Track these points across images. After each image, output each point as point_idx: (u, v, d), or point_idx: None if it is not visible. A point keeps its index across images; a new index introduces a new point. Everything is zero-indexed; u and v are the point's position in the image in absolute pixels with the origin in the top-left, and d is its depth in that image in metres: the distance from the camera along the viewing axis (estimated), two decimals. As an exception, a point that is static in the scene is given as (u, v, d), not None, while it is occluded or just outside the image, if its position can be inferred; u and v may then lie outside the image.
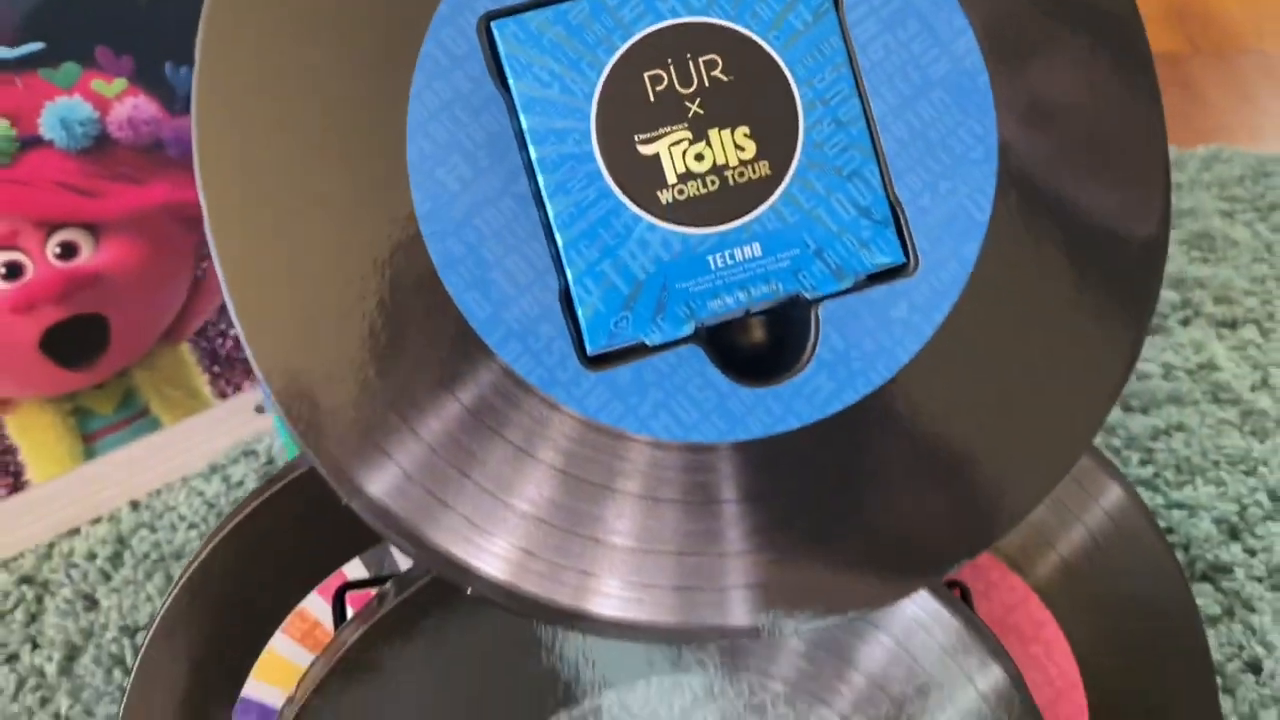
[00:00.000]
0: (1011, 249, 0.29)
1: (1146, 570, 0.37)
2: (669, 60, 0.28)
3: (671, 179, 0.28)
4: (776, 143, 0.28)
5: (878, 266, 0.29)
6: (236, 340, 0.60)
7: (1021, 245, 0.29)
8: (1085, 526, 0.37)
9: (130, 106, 0.52)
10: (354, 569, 0.35)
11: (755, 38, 0.28)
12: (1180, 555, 0.51)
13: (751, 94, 0.28)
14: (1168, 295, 0.66)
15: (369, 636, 0.31)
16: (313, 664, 0.31)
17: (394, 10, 0.27)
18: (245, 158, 0.26)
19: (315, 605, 0.35)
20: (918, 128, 0.29)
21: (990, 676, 0.32)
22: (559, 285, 0.27)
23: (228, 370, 0.60)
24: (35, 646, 0.54)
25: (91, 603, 0.56)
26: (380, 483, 0.27)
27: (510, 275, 0.27)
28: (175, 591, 0.35)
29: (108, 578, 0.57)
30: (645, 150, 0.28)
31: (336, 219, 0.27)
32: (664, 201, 0.28)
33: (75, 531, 0.60)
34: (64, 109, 0.50)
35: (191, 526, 0.59)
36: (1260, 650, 0.47)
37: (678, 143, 0.28)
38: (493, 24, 0.27)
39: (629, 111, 0.27)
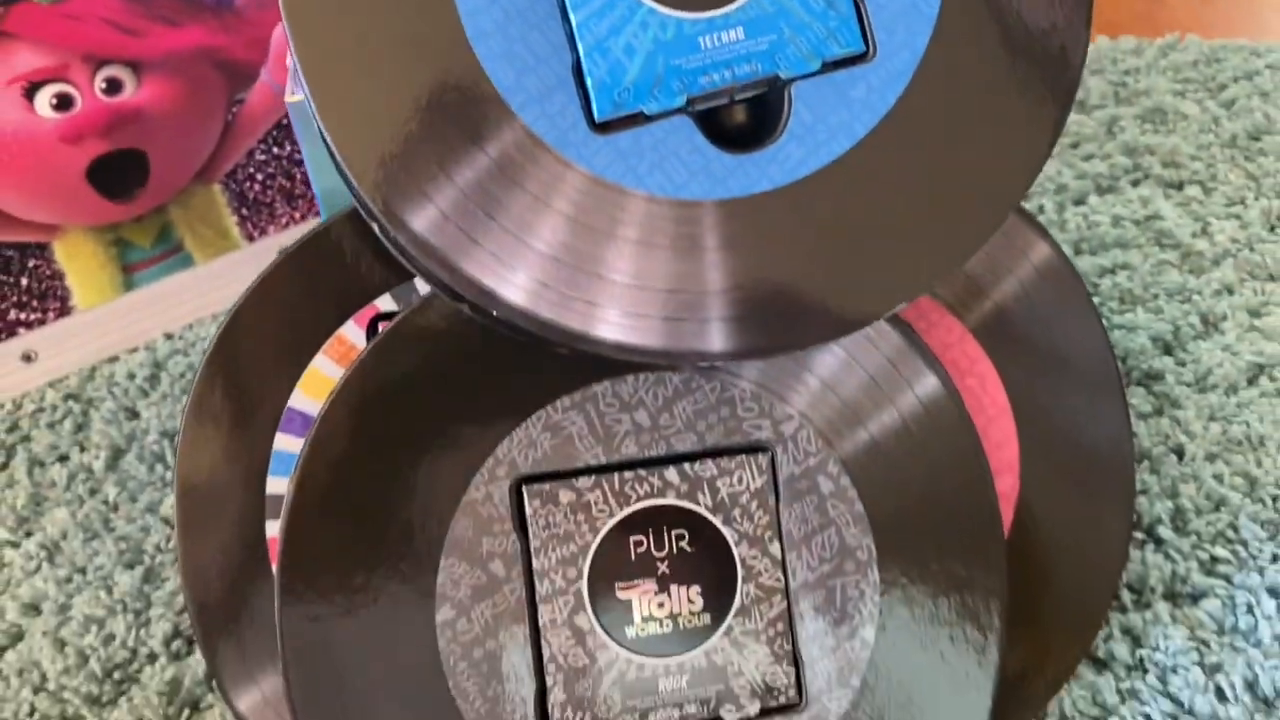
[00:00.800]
0: (955, 41, 0.35)
1: (1072, 317, 0.42)
2: None
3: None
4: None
5: (842, 53, 0.34)
6: (264, 183, 0.66)
7: (964, 37, 0.35)
8: (1016, 278, 0.42)
9: (170, -49, 0.57)
10: (385, 303, 0.41)
11: None
12: (1120, 365, 0.57)
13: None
14: (1120, 161, 0.71)
15: (379, 347, 0.36)
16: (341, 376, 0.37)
17: None
18: None
19: (352, 332, 0.41)
20: None
21: (926, 385, 0.38)
22: (572, 59, 0.33)
23: (255, 213, 0.66)
24: (83, 449, 0.60)
25: (133, 414, 0.62)
26: (422, 220, 0.32)
27: (531, 48, 0.33)
28: (226, 320, 0.40)
29: (146, 394, 0.63)
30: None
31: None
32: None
33: (115, 359, 0.65)
34: (112, -50, 0.55)
35: (222, 354, 0.64)
36: (1184, 438, 0.53)
37: None
38: None
39: None
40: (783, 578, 0.37)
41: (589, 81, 0.33)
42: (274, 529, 0.40)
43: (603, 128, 0.33)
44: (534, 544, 0.36)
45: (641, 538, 0.36)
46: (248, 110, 0.63)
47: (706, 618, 0.37)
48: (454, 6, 0.32)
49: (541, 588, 0.35)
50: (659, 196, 0.33)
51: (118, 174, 0.60)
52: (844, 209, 0.34)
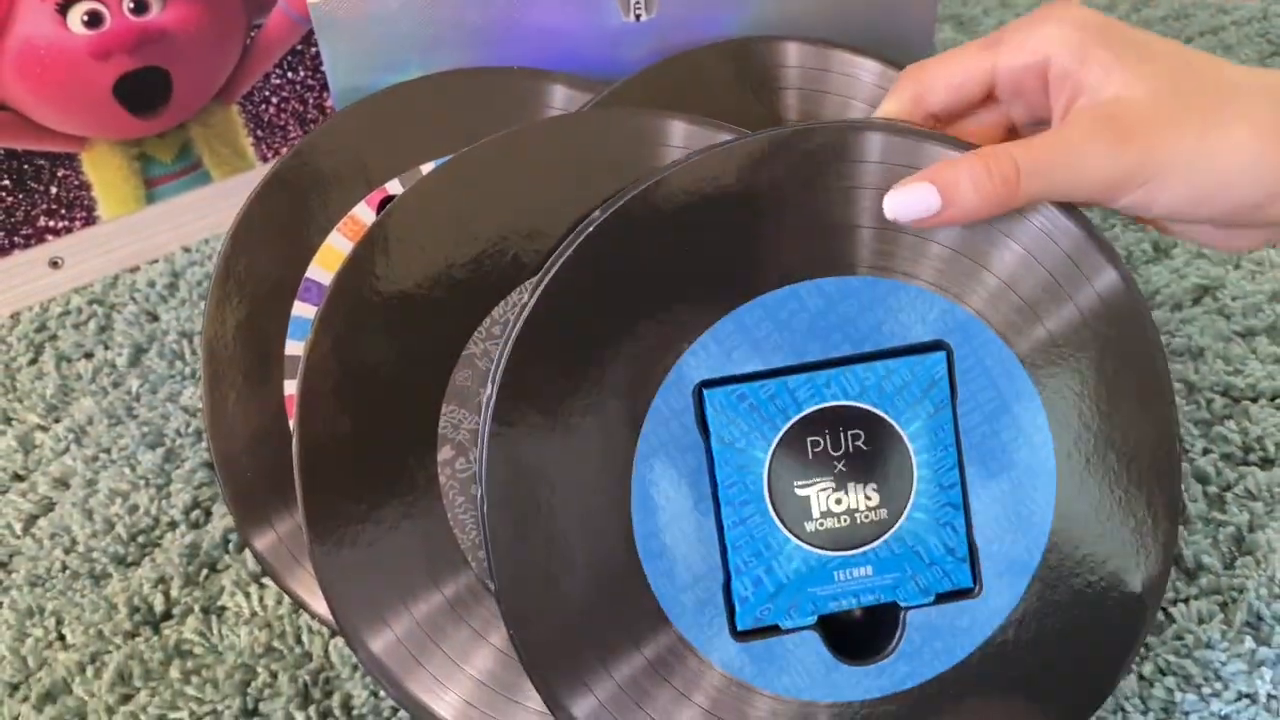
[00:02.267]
0: (1050, 586, 0.39)
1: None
2: (825, 430, 0.38)
3: (815, 514, 0.39)
4: (895, 497, 0.39)
5: (953, 588, 0.39)
6: (279, 106, 0.70)
7: (1057, 584, 0.39)
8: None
9: (196, -120, 0.61)
10: (394, 186, 0.45)
11: (888, 418, 0.39)
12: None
13: (881, 459, 0.39)
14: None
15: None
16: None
17: (635, 376, 0.37)
18: None
19: (363, 212, 0.45)
20: (999, 496, 0.39)
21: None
22: (722, 579, 0.38)
23: (270, 135, 0.70)
24: (107, 347, 0.64)
25: (153, 317, 0.66)
26: (581, 709, 0.38)
27: (690, 568, 0.38)
28: (250, 198, 0.45)
29: (165, 300, 0.67)
30: (800, 492, 0.38)
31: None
32: (808, 530, 0.38)
33: (136, 269, 0.69)
34: (142, -124, 0.59)
35: (236, 267, 0.68)
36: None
37: (824, 490, 0.38)
38: (704, 391, 0.37)
39: (793, 464, 0.38)
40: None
41: (735, 600, 0.38)
42: (291, 387, 0.44)
43: (743, 635, 0.38)
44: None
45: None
46: (265, 35, 0.67)
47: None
48: (632, 530, 0.38)
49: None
50: (785, 697, 0.39)
51: (143, 90, 0.64)
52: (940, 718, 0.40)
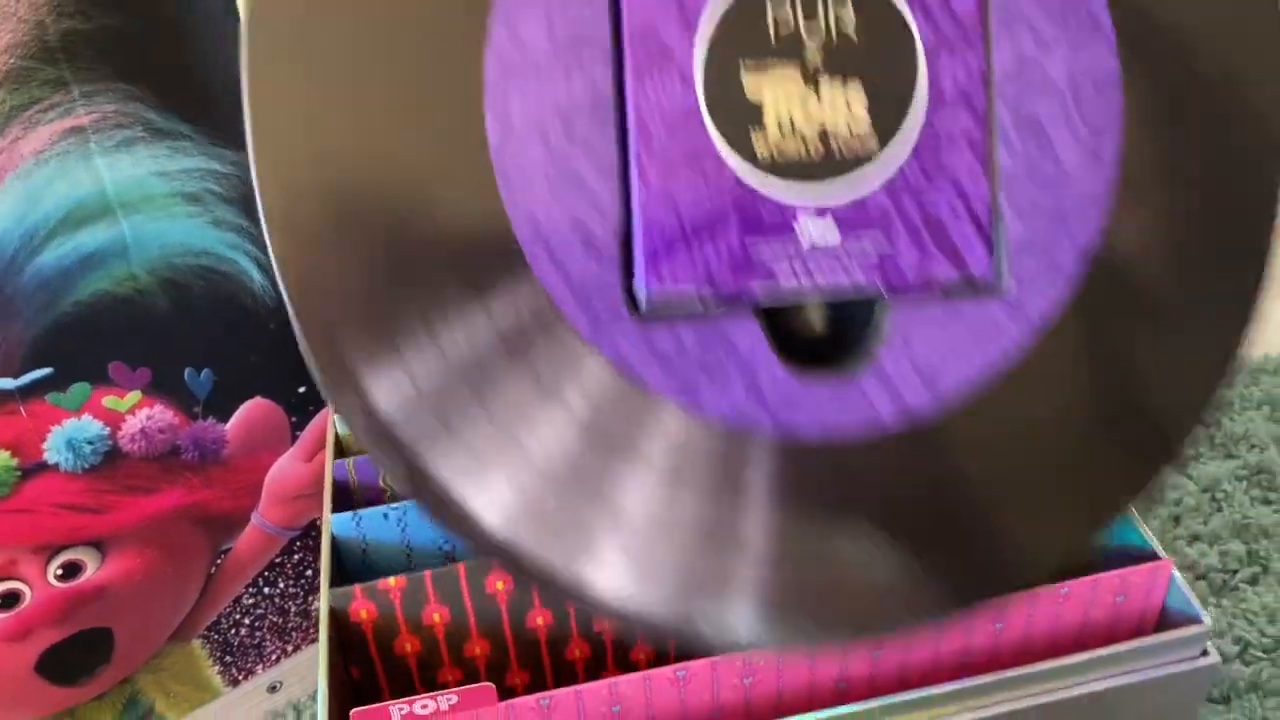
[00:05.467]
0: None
1: None
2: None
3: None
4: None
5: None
6: (252, 626, 0.55)
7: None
8: None
9: (144, 418, 0.46)
10: None
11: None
12: None
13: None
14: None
15: None
16: None
17: None
18: None
19: None
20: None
21: None
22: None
23: (241, 658, 0.55)
24: None
25: None
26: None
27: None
28: None
29: None
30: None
31: None
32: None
33: (68, 841, 0.54)
34: (71, 431, 0.45)
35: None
36: None
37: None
38: None
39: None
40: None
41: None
42: None
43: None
44: None
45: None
46: (234, 558, 0.52)
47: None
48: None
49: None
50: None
51: (75, 659, 0.49)
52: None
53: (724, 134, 0.24)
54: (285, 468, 0.51)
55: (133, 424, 0.46)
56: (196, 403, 0.47)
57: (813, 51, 0.25)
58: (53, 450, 0.45)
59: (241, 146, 0.25)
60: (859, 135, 0.25)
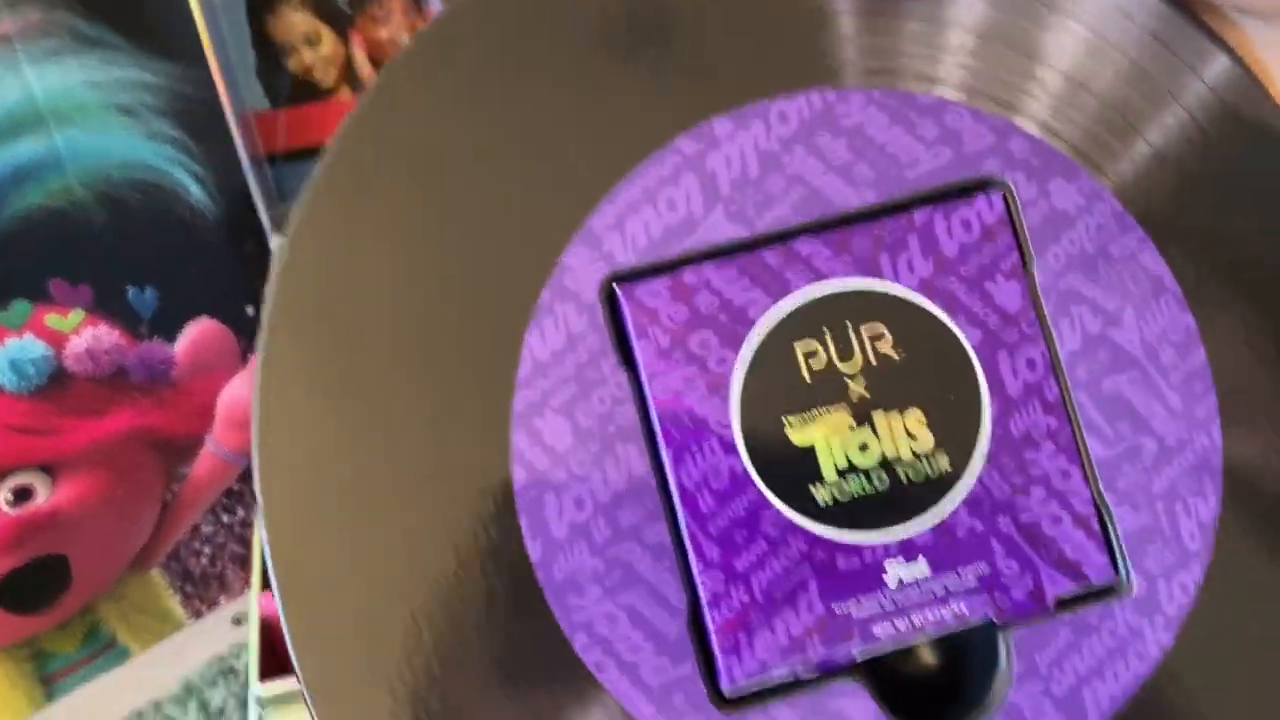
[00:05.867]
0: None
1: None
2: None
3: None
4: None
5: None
6: (211, 558, 0.55)
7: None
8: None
9: (89, 338, 0.46)
10: None
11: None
12: None
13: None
14: None
15: None
16: None
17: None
18: None
19: None
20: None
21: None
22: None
23: (203, 588, 0.55)
24: None
25: None
26: None
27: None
28: None
29: (77, 838, 0.51)
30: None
31: None
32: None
33: (36, 776, 0.54)
34: (14, 351, 0.44)
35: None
36: None
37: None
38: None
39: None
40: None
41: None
42: None
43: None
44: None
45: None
46: (191, 485, 0.52)
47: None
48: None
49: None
50: None
51: (32, 586, 0.49)
52: None
53: (779, 493, 0.23)
54: (236, 391, 0.51)
55: (77, 344, 0.46)
56: (141, 322, 0.47)
57: (856, 385, 0.23)
58: (-4, 370, 0.44)
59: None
60: (925, 457, 0.23)
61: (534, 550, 0.23)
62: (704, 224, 0.24)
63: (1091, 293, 0.24)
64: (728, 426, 0.23)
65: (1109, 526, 0.24)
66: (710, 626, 0.23)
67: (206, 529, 0.54)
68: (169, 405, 0.49)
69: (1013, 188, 0.25)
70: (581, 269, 0.24)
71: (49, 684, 0.52)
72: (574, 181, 0.24)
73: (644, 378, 0.23)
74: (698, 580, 0.23)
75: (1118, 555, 0.24)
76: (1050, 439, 0.24)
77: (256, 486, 0.24)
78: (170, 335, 0.48)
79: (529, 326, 0.23)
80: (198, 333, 0.49)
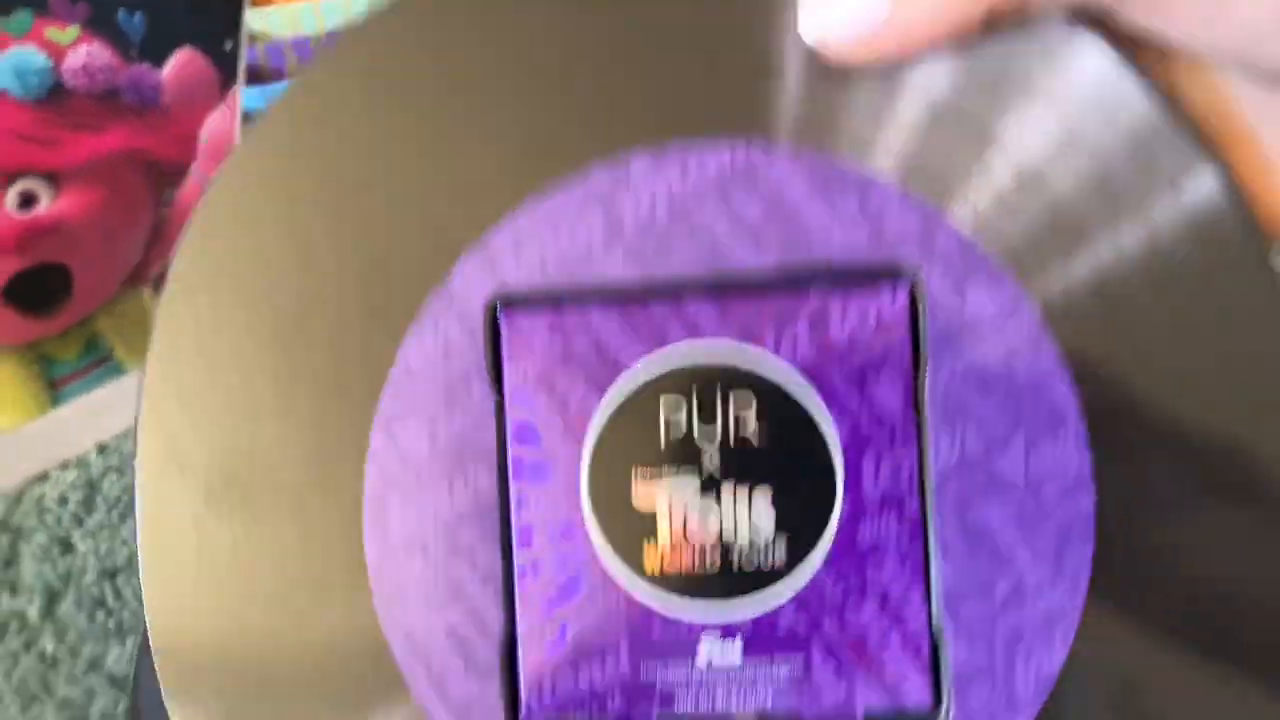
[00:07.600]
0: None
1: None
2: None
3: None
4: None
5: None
6: (198, 284, 0.61)
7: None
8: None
9: (84, 54, 0.51)
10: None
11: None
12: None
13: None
14: None
15: None
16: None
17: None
18: None
19: None
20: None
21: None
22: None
23: (190, 314, 0.61)
24: (14, 593, 0.55)
25: (67, 547, 0.57)
26: None
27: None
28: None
29: (81, 522, 0.58)
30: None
31: None
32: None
33: (44, 477, 0.60)
34: (17, 58, 0.50)
35: (161, 468, 0.60)
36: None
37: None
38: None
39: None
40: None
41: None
42: None
43: None
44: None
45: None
46: (179, 208, 0.58)
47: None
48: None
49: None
50: None
51: (38, 290, 0.55)
52: None
53: (613, 545, 0.22)
54: (218, 122, 0.56)
55: (74, 59, 0.51)
56: (131, 45, 0.52)
57: (711, 453, 0.22)
58: (1, 76, 0.50)
59: None
60: (761, 547, 0.22)
61: (371, 552, 0.23)
62: (601, 260, 0.23)
63: (984, 411, 0.22)
64: (576, 471, 0.22)
65: (940, 655, 0.23)
66: (520, 660, 0.23)
67: (193, 256, 0.59)
68: (158, 129, 0.55)
69: (923, 283, 0.23)
70: (471, 284, 0.23)
71: (55, 389, 0.59)
72: (481, 195, 0.24)
73: (507, 405, 0.23)
74: (518, 612, 0.23)
75: (943, 685, 0.23)
76: (897, 553, 0.22)
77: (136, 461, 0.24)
78: (158, 61, 0.53)
79: (409, 330, 0.23)
80: (181, 62, 0.54)
